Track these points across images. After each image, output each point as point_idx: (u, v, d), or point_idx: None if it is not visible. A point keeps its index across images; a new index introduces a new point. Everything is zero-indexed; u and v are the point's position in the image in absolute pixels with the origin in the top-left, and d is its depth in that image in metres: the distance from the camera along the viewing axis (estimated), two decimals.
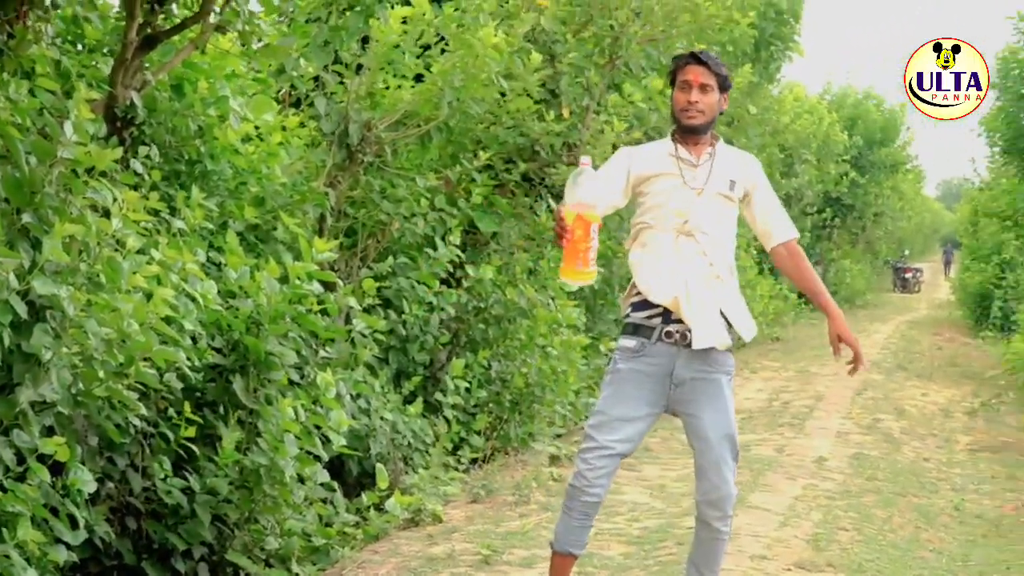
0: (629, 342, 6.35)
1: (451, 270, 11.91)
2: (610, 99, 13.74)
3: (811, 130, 30.33)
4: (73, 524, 6.40)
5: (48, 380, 5.89)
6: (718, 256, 6.37)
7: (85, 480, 6.36)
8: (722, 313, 6.32)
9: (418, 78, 11.26)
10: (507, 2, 11.78)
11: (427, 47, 11.42)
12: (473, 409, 12.37)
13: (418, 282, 11.51)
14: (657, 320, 6.27)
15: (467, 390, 12.24)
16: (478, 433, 12.32)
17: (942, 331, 34.33)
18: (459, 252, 11.92)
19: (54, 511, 6.26)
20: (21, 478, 6.01)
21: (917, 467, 13.44)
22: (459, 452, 11.86)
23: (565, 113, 12.92)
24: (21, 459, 6.01)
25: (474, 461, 12.10)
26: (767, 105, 22.55)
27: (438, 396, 11.73)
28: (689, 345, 6.20)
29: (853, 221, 41.27)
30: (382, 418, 10.31)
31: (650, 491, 11.52)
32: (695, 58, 6.32)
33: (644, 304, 6.33)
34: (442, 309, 11.81)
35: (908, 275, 58.32)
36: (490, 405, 12.66)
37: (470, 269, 12.20)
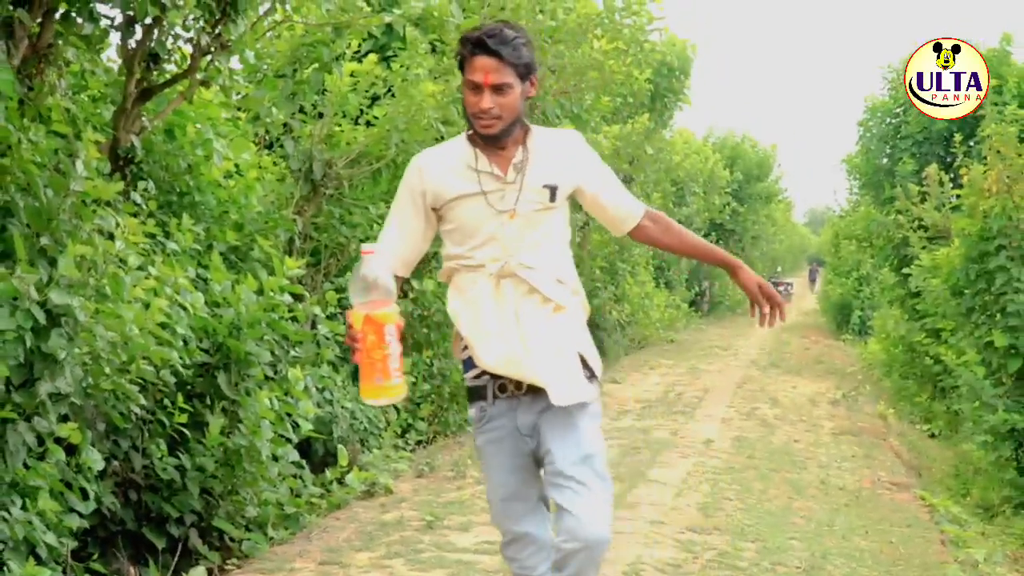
0: (471, 411, 4.65)
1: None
2: None
3: (698, 167, 30.57)
4: (84, 496, 6.41)
5: (63, 375, 5.90)
6: (552, 286, 4.47)
7: (94, 459, 6.39)
8: (577, 353, 4.50)
9: (368, 124, 11.29)
10: (443, 61, 11.82)
11: (376, 97, 11.45)
12: (418, 400, 12.41)
13: None
14: (486, 377, 4.49)
15: (413, 384, 12.28)
16: (422, 419, 12.37)
17: (809, 334, 34.50)
18: None
19: (68, 485, 6.27)
20: (41, 457, 6.04)
21: (789, 448, 13.48)
22: (407, 435, 11.90)
23: None
24: (41, 441, 6.03)
25: (419, 443, 12.15)
26: (661, 147, 22.62)
27: None
28: (525, 392, 4.44)
29: (734, 243, 41.43)
30: (343, 407, 10.33)
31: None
32: (483, 47, 4.28)
33: (472, 360, 4.52)
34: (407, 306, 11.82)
35: (780, 288, 58.25)
36: (432, 396, 12.71)
37: (414, 282, 12.22)
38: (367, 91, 11.24)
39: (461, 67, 4.42)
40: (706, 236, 37.13)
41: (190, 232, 8.22)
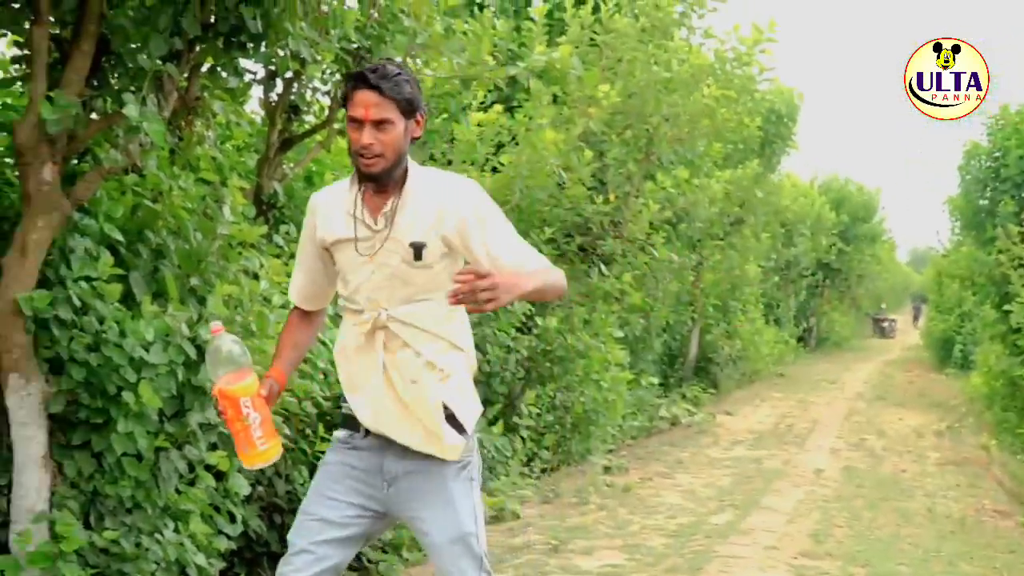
0: (340, 433, 4.26)
1: (524, 320, 11.92)
2: (646, 186, 13.74)
3: (806, 210, 30.24)
4: (231, 519, 6.45)
5: (212, 406, 5.94)
6: (426, 342, 4.06)
7: (241, 485, 6.42)
8: (446, 408, 4.07)
9: (494, 170, 11.30)
10: (563, 111, 11.81)
11: (501, 145, 11.46)
12: (543, 430, 12.42)
13: (498, 330, 11.52)
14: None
15: (537, 415, 12.30)
16: (546, 448, 12.36)
17: (913, 369, 33.99)
18: (530, 306, 11.94)
19: (217, 509, 6.31)
20: (192, 483, 6.09)
21: (896, 477, 13.32)
22: (532, 464, 11.89)
23: (611, 197, 12.91)
24: (191, 468, 6.08)
25: (543, 470, 12.14)
26: (770, 190, 22.40)
27: (515, 419, 11.76)
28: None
29: (840, 282, 40.96)
30: (475, 436, 10.31)
31: (683, 495, 11.49)
32: (363, 81, 3.93)
33: None
34: (517, 351, 11.79)
35: (885, 324, 57.92)
36: (556, 427, 12.70)
37: (539, 320, 12.22)
38: (492, 139, 11.25)
39: (344, 105, 4.12)
40: (813, 275, 36.80)
41: None
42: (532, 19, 11.36)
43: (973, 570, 8.69)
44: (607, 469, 12.62)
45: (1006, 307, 16.57)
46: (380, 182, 4.00)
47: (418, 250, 3.99)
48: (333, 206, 4.16)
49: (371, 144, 3.90)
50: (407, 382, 4.03)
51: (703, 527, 9.83)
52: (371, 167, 3.94)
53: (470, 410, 4.22)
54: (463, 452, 4.13)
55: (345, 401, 4.22)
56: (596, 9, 12.33)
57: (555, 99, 11.77)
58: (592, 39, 12.33)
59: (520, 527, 9.47)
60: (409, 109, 3.97)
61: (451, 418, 4.08)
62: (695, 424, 17.59)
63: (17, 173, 5.33)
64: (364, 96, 3.91)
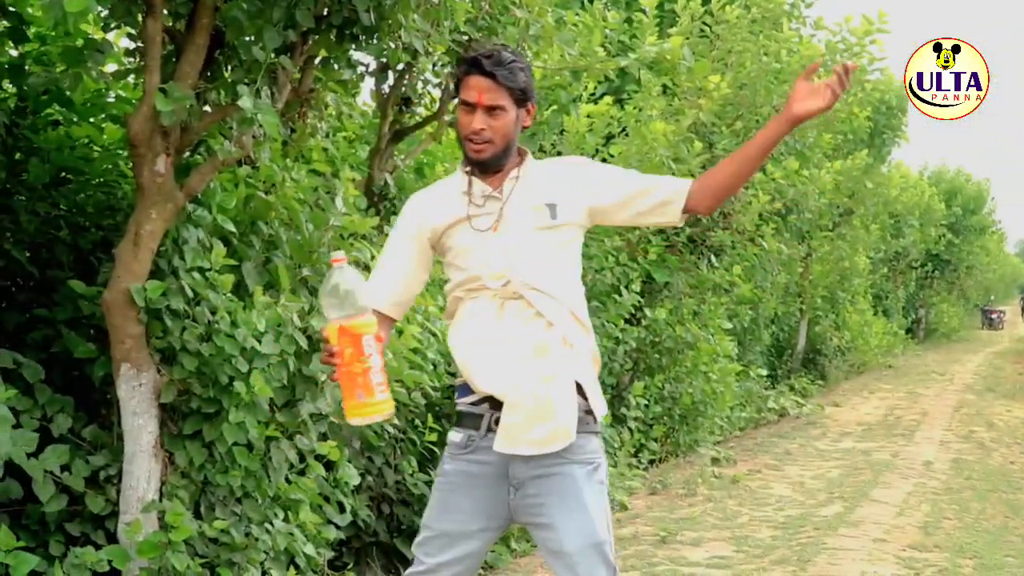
0: (456, 435, 3.94)
1: (632, 312, 11.82)
2: (756, 177, 13.57)
3: (915, 201, 29.79)
4: (341, 509, 6.45)
5: (323, 396, 5.92)
6: (561, 314, 3.84)
7: (350, 475, 6.40)
8: (579, 387, 3.83)
9: (604, 161, 11.21)
10: (673, 102, 11.70)
11: (611, 136, 11.38)
12: (651, 421, 12.34)
13: (607, 321, 11.43)
14: (485, 406, 3.85)
15: (645, 406, 12.22)
16: (655, 440, 12.29)
17: (1022, 360, 33.44)
18: (639, 298, 11.84)
19: (327, 499, 6.30)
20: (302, 473, 6.08)
21: (1005, 469, 13.05)
22: (640, 455, 11.82)
23: None
24: (302, 458, 6.08)
25: (651, 462, 12.09)
26: (880, 181, 22.12)
27: (623, 411, 11.68)
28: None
29: (949, 273, 40.43)
30: None
31: (791, 486, 11.35)
32: (478, 67, 3.82)
33: (469, 387, 3.92)
34: (626, 342, 11.71)
35: (994, 316, 57.28)
36: (664, 418, 12.61)
37: (647, 311, 12.11)
38: (602, 131, 11.18)
39: (457, 89, 3.94)
40: (922, 267, 36.32)
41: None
42: (643, 10, 11.30)
43: None
44: (715, 460, 12.52)
45: None
46: (488, 168, 3.89)
47: (553, 208, 3.88)
48: (438, 197, 4.01)
49: (482, 129, 3.80)
50: (542, 355, 3.77)
51: (811, 519, 9.70)
52: (480, 153, 3.84)
53: (599, 397, 3.94)
54: (590, 452, 3.86)
55: (462, 396, 3.95)
56: (707, 0, 12.20)
57: (665, 90, 11.68)
58: (703, 30, 12.27)
59: (628, 518, 9.43)
60: (522, 98, 3.86)
61: (583, 399, 3.83)
62: (803, 416, 17.41)
63: (131, 164, 5.31)
64: (478, 81, 3.80)
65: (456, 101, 3.91)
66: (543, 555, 3.95)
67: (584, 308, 3.96)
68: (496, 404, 3.78)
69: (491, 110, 3.79)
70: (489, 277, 3.82)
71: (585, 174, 4.02)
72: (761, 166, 3.93)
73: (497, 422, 3.76)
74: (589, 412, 3.85)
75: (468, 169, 3.95)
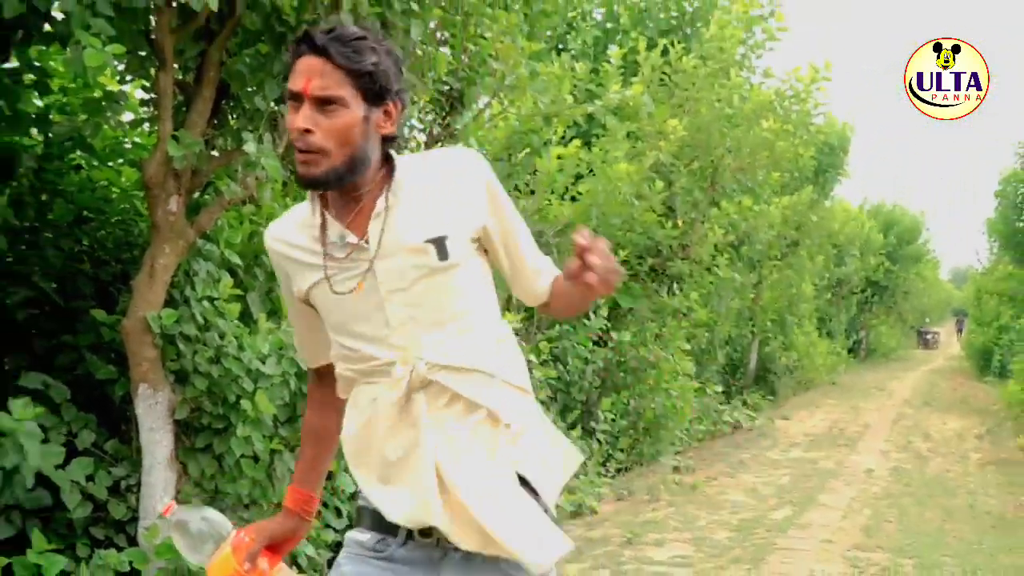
0: (362, 535, 2.59)
1: (600, 334, 11.88)
2: (711, 212, 13.65)
3: (856, 232, 29.89)
4: (338, 514, 6.45)
5: None
6: (490, 391, 2.48)
7: (347, 483, 6.42)
8: (522, 480, 2.48)
9: (573, 199, 11.26)
10: (636, 144, 11.76)
11: (579, 176, 11.43)
12: (617, 433, 12.36)
13: (577, 343, 11.48)
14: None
15: (612, 420, 12.26)
16: (621, 450, 12.30)
17: (955, 377, 33.44)
18: (606, 322, 11.90)
19: (325, 505, 6.31)
20: None
21: (941, 477, 13.08)
22: (607, 464, 11.84)
23: (679, 223, 12.86)
24: None
25: (618, 470, 12.08)
26: (823, 215, 22.19)
27: (592, 424, 11.71)
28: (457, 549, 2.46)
29: (888, 298, 40.43)
30: None
31: (745, 492, 11.39)
32: (308, 42, 2.38)
33: None
34: (594, 362, 11.77)
35: (929, 336, 57.40)
36: (629, 431, 12.62)
37: (614, 334, 12.17)
38: (571, 171, 11.22)
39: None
40: (862, 292, 36.34)
41: None
42: (608, 61, 11.37)
43: (1012, 562, 8.51)
44: (676, 469, 12.53)
45: None
46: (322, 188, 2.47)
47: (440, 244, 2.46)
48: (293, 241, 2.60)
49: (307, 131, 2.37)
50: (466, 454, 2.45)
51: (764, 522, 9.73)
52: (309, 166, 2.41)
53: (550, 485, 2.60)
54: (548, 556, 2.48)
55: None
56: (665, 52, 12.31)
57: (628, 134, 11.74)
58: (662, 79, 12.34)
59: (597, 521, 9.44)
60: (373, 89, 2.42)
61: (532, 494, 2.52)
62: (755, 428, 17.42)
63: (146, 204, 5.36)
64: (307, 63, 2.39)
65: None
66: None
67: (515, 357, 2.63)
68: None
69: (323, 103, 2.37)
70: (384, 360, 2.48)
71: (481, 186, 2.58)
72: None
73: (422, 532, 2.51)
74: (544, 510, 2.54)
75: (313, 194, 2.57)
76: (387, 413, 2.47)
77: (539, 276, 2.73)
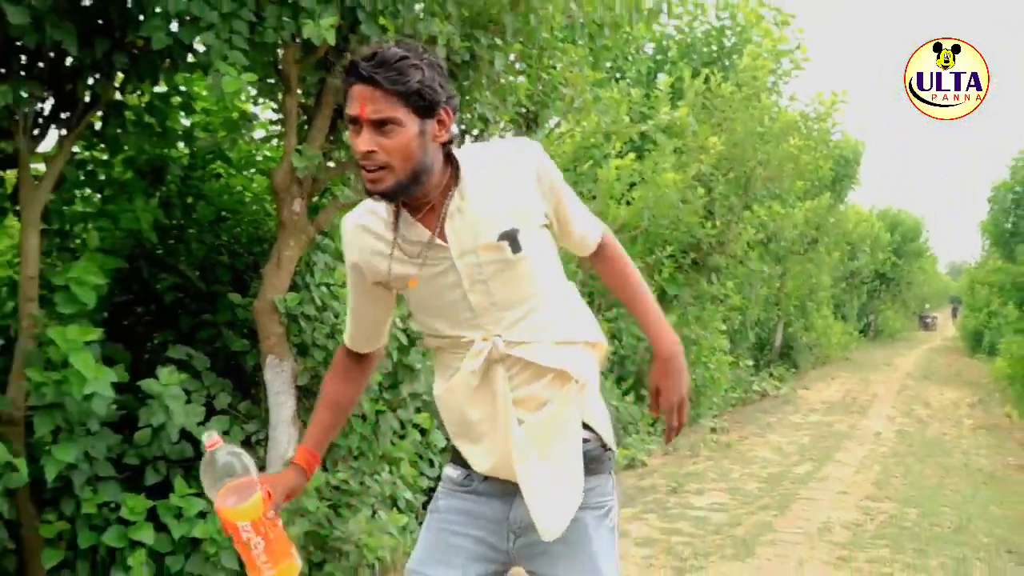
0: (452, 471, 2.59)
1: None
2: (745, 214, 13.51)
3: (866, 232, 29.46)
4: (431, 464, 6.44)
5: (418, 380, 5.93)
6: (556, 355, 2.38)
7: (439, 438, 6.41)
8: (586, 427, 2.46)
9: (628, 203, 11.19)
10: (681, 157, 11.67)
11: (633, 184, 11.36)
12: None
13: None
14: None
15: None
16: None
17: (951, 355, 32.90)
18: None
19: (421, 456, 6.31)
20: (402, 437, 6.09)
21: (939, 439, 12.88)
22: (655, 424, 11.74)
23: (717, 223, 12.75)
24: (402, 426, 6.09)
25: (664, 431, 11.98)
26: (839, 217, 21.94)
27: (643, 391, 11.62)
28: None
29: (893, 287, 39.83)
30: (612, 404, 10.22)
31: (772, 450, 11.27)
32: (355, 72, 2.20)
33: None
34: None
35: (928, 320, 56.51)
36: None
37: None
38: (627, 180, 11.17)
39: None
40: (872, 282, 35.79)
41: None
42: (658, 88, 11.26)
43: (1001, 512, 8.36)
44: (713, 430, 12.43)
45: None
46: (393, 199, 2.31)
47: (513, 238, 2.33)
48: (373, 234, 2.43)
49: (371, 152, 2.23)
50: (538, 410, 2.39)
51: (788, 475, 9.62)
52: (376, 183, 2.26)
53: (609, 426, 2.57)
54: (601, 494, 2.53)
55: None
56: (707, 80, 12.22)
57: (675, 149, 11.65)
58: (704, 102, 12.23)
59: (647, 473, 9.39)
60: (423, 104, 2.24)
61: (594, 434, 2.50)
62: (780, 396, 17.26)
63: (274, 206, 5.37)
64: (360, 90, 2.22)
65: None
66: None
67: (581, 313, 2.56)
68: None
69: (379, 125, 2.22)
70: (466, 339, 2.39)
71: (540, 171, 2.43)
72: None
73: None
74: (604, 447, 2.53)
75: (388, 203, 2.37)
76: (467, 381, 2.39)
77: (585, 239, 2.61)
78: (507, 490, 2.46)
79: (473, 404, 2.41)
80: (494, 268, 2.34)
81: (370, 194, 2.29)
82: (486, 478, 2.48)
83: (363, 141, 2.23)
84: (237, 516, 2.35)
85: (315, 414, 2.61)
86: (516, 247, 2.34)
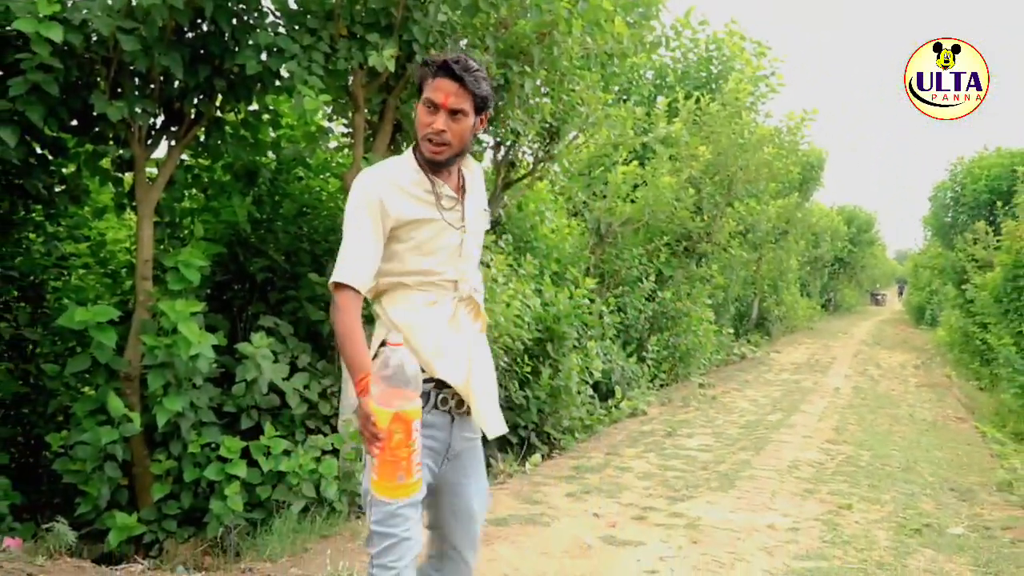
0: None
1: (649, 293, 11.72)
2: (728, 210, 13.40)
3: (827, 225, 29.17)
4: None
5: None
6: (482, 305, 2.66)
7: None
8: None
9: (632, 201, 11.11)
10: (676, 164, 11.58)
11: (636, 185, 11.28)
12: (660, 360, 12.20)
13: (635, 298, 11.34)
14: (431, 385, 2.44)
15: (657, 351, 12.07)
16: (663, 372, 12.14)
17: (898, 326, 32.47)
18: (654, 284, 11.73)
19: None
20: None
21: (888, 394, 12.71)
22: (654, 381, 11.70)
23: (705, 218, 12.65)
24: None
25: (661, 385, 11.94)
26: (805, 213, 21.75)
27: (644, 354, 11.57)
28: (465, 412, 2.51)
29: (849, 270, 39.46)
30: (618, 363, 10.15)
31: (749, 402, 11.17)
32: (447, 70, 2.46)
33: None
34: (645, 312, 11.61)
35: (879, 297, 55.86)
36: (669, 359, 12.45)
37: (659, 293, 12.00)
38: (631, 182, 11.10)
39: (420, 89, 2.54)
40: (832, 266, 35.44)
41: (531, 264, 8.19)
42: (658, 107, 11.17)
43: (943, 455, 8.24)
44: (701, 385, 12.34)
45: (963, 287, 15.84)
46: (443, 168, 2.51)
47: (487, 213, 2.68)
48: (399, 188, 2.47)
49: (443, 131, 2.45)
50: (482, 354, 2.57)
51: (763, 423, 9.52)
52: (438, 154, 2.47)
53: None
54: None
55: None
56: (697, 100, 12.12)
57: (670, 157, 11.55)
58: (695, 119, 12.11)
59: (647, 420, 9.33)
60: (482, 105, 2.53)
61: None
62: (756, 358, 17.12)
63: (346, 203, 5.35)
64: (446, 84, 2.45)
65: (424, 99, 2.51)
66: (439, 519, 2.63)
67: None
68: (440, 384, 2.47)
69: (454, 113, 2.47)
70: (451, 280, 2.50)
71: (482, 186, 2.72)
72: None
73: (442, 401, 2.48)
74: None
75: (423, 166, 2.52)
76: (443, 314, 2.49)
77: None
78: (446, 422, 2.52)
79: (448, 330, 2.49)
80: (482, 227, 2.63)
81: (430, 162, 2.49)
82: (432, 410, 2.47)
83: (440, 121, 2.46)
84: (416, 415, 2.21)
85: (359, 345, 2.36)
86: (487, 220, 2.68)
